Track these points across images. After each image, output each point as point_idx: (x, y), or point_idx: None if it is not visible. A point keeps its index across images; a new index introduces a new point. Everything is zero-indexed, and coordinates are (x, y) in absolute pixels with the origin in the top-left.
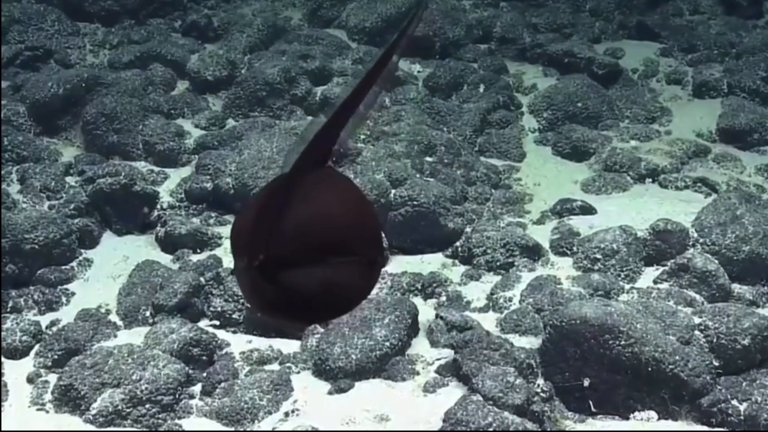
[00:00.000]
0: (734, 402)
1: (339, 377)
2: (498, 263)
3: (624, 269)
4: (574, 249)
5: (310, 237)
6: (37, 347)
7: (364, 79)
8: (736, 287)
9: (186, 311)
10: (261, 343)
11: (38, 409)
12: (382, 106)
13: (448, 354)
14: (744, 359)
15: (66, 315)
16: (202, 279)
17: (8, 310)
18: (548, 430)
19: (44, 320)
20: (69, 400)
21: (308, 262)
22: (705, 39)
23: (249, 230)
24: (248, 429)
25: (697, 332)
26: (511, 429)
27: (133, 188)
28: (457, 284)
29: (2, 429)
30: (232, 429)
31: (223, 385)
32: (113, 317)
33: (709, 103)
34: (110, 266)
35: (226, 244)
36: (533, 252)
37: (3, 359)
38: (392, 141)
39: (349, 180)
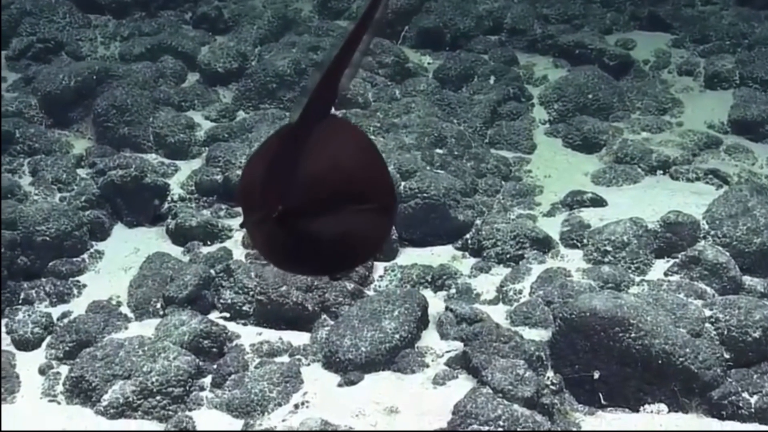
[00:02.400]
0: (745, 394)
1: (349, 369)
2: (508, 255)
3: (634, 261)
4: (585, 241)
5: (324, 186)
6: (48, 339)
7: (357, 26)
8: (747, 279)
9: (196, 303)
10: (271, 335)
11: (50, 401)
12: (393, 98)
13: (457, 346)
14: (755, 352)
15: (77, 307)
16: (212, 271)
17: (20, 301)
18: (558, 422)
19: (56, 312)
20: (80, 391)
21: (324, 210)
22: (717, 30)
23: (262, 182)
24: (258, 421)
25: (707, 325)
26: (520, 422)
27: (143, 180)
28: (467, 276)
29: (15, 420)
30: (242, 421)
31: (233, 377)
32: (124, 309)
33: (721, 94)
34: (121, 258)
35: (237, 236)
36: (543, 244)
37: (15, 351)
38: (402, 133)
39: (356, 127)
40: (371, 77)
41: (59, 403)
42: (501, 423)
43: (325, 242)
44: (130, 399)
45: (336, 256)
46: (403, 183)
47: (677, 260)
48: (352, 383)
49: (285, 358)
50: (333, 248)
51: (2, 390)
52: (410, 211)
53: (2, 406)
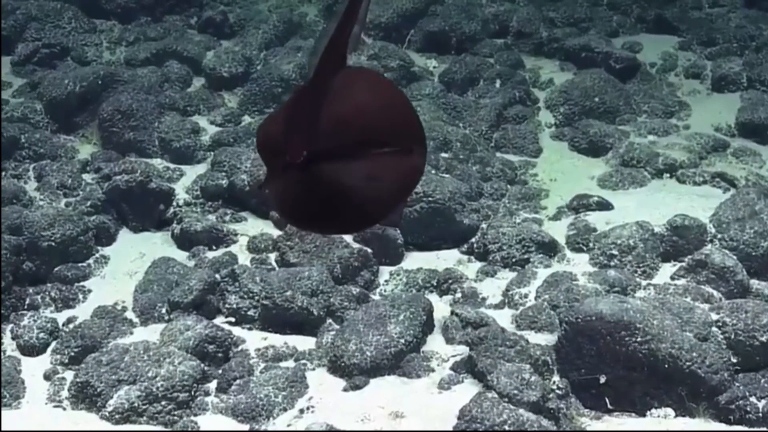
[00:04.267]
0: (752, 399)
1: (354, 374)
2: (514, 259)
3: (641, 265)
4: (591, 245)
5: (349, 130)
6: (53, 344)
7: None
8: (755, 283)
9: (202, 308)
10: (276, 339)
11: (55, 406)
12: None
13: (463, 351)
14: (762, 356)
15: (82, 312)
16: (217, 276)
17: (25, 307)
18: (564, 427)
19: (61, 317)
20: (85, 397)
21: (351, 155)
22: (724, 32)
23: (284, 131)
24: (263, 426)
25: (714, 329)
26: (526, 426)
27: (149, 185)
28: (473, 280)
29: (20, 425)
30: (248, 426)
31: (238, 381)
32: (129, 314)
33: (728, 97)
34: (126, 263)
35: (242, 240)
36: (549, 248)
37: (21, 356)
38: None
39: (376, 72)
40: None
41: (64, 408)
42: (507, 427)
43: (353, 190)
44: (136, 404)
45: (365, 205)
46: None
47: (684, 264)
48: (358, 388)
49: (290, 363)
50: (362, 196)
51: (7, 395)
52: (415, 215)
53: (8, 411)
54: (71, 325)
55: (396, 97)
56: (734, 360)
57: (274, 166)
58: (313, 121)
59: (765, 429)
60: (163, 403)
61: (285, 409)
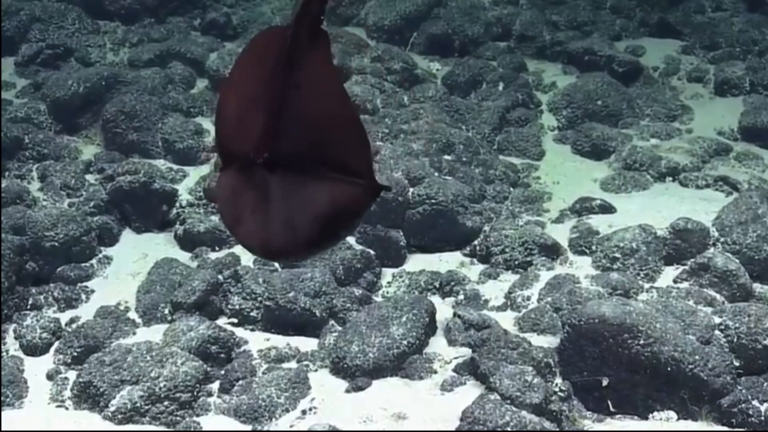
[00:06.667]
0: (755, 402)
1: (356, 375)
2: (516, 262)
3: (643, 268)
4: (593, 248)
5: (313, 142)
6: (56, 344)
7: None
8: (757, 287)
9: (204, 309)
10: (279, 341)
11: (58, 406)
12: (401, 105)
13: (465, 353)
14: (765, 359)
15: (85, 312)
16: (220, 277)
17: (28, 307)
18: (566, 429)
19: (64, 317)
20: (88, 396)
21: (312, 169)
22: (727, 36)
23: (247, 110)
24: (266, 427)
25: (717, 332)
26: (528, 428)
27: (152, 186)
28: (475, 283)
29: (23, 425)
30: (250, 427)
31: (240, 382)
32: (132, 315)
33: (731, 101)
34: (129, 264)
35: None
36: (552, 251)
37: (24, 356)
38: (411, 139)
39: (339, 80)
40: (379, 83)
41: (67, 408)
42: (509, 429)
43: (299, 205)
44: (138, 404)
45: (306, 224)
46: (411, 189)
47: (686, 267)
48: (360, 389)
49: (293, 364)
50: (305, 216)
51: (10, 395)
52: (418, 217)
53: (11, 411)
54: (74, 325)
55: (356, 124)
56: (737, 363)
57: (231, 158)
58: (279, 118)
59: None
60: (165, 403)
61: (287, 410)
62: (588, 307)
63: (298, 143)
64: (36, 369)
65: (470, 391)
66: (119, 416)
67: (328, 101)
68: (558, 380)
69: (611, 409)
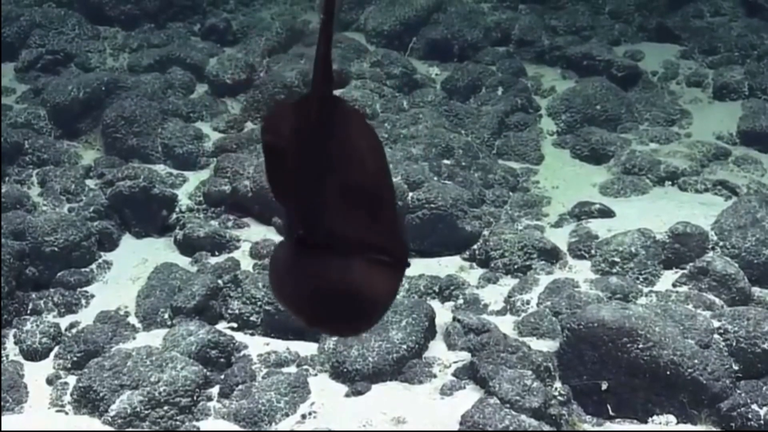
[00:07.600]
0: (754, 406)
1: (356, 380)
2: (515, 266)
3: (642, 272)
4: (593, 252)
5: (357, 218)
6: (56, 349)
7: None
8: (756, 291)
9: (204, 313)
10: (278, 345)
11: (57, 411)
12: (400, 109)
13: (465, 357)
14: (764, 363)
15: (85, 317)
16: (220, 281)
17: (28, 312)
18: None
19: (64, 322)
20: (88, 401)
21: (345, 251)
22: (726, 41)
23: (288, 180)
24: (265, 431)
25: (716, 336)
26: None
27: (152, 191)
28: (475, 287)
29: (23, 430)
30: (250, 431)
31: (240, 387)
32: (132, 319)
33: (729, 105)
34: (129, 269)
35: (245, 246)
36: (551, 255)
37: (23, 361)
38: (410, 144)
39: (383, 153)
40: (379, 88)
41: (67, 413)
42: None
43: (335, 285)
44: (138, 409)
45: (342, 306)
46: (410, 194)
47: (686, 271)
48: (360, 393)
49: (292, 369)
50: (340, 296)
51: (10, 400)
52: (418, 221)
53: (11, 416)
54: (74, 330)
55: (392, 193)
56: (736, 367)
57: (289, 231)
58: (317, 183)
59: None
60: (165, 408)
61: (287, 415)
62: (587, 311)
63: (343, 221)
64: (36, 374)
65: (470, 396)
66: (119, 421)
67: (371, 171)
68: (557, 384)
69: (611, 413)
